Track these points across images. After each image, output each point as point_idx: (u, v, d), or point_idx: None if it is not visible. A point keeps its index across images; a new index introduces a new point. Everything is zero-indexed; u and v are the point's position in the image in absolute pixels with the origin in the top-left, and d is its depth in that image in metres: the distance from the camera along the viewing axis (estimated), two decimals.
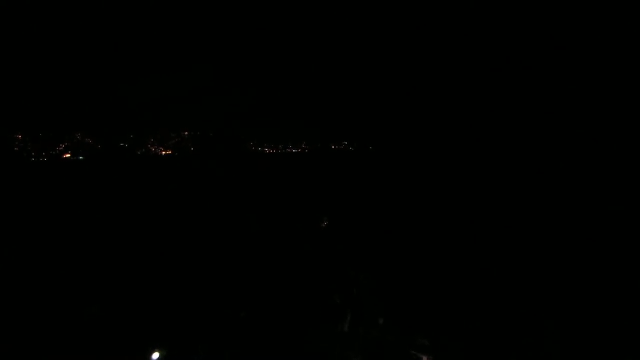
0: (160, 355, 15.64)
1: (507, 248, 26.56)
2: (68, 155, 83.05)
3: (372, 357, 18.91)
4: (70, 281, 18.64)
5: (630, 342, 14.72)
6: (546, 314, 18.74)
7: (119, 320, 16.23)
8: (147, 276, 19.45)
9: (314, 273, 26.00)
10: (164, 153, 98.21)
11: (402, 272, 27.39)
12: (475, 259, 26.88)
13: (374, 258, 29.05)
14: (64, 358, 11.83)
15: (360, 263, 28.83)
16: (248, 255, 26.53)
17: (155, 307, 17.59)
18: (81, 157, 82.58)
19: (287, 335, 18.81)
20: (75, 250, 21.65)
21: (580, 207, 24.40)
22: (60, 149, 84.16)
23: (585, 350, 15.69)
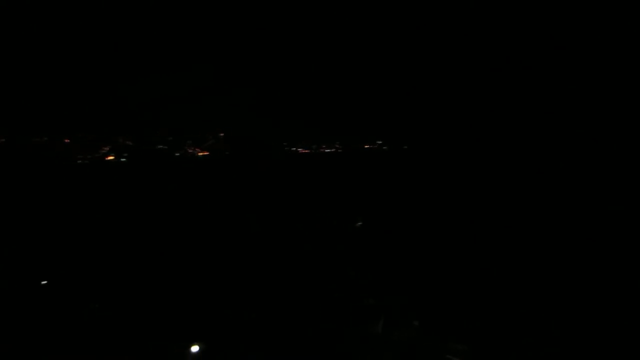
0: (199, 348, 16.10)
1: (532, 250, 25.85)
2: (111, 157, 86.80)
3: (407, 358, 18.77)
4: (100, 279, 19.41)
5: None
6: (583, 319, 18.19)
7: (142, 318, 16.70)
8: (179, 275, 19.97)
9: (349, 275, 25.98)
10: (200, 154, 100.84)
11: (437, 274, 27.02)
12: (506, 263, 26.36)
13: (411, 260, 28.68)
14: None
15: (396, 265, 28.54)
16: (283, 255, 26.81)
17: (184, 306, 18.07)
18: (123, 159, 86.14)
19: (320, 338, 18.89)
20: (113, 246, 22.51)
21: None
22: (104, 151, 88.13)
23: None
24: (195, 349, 15.86)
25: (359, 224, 34.76)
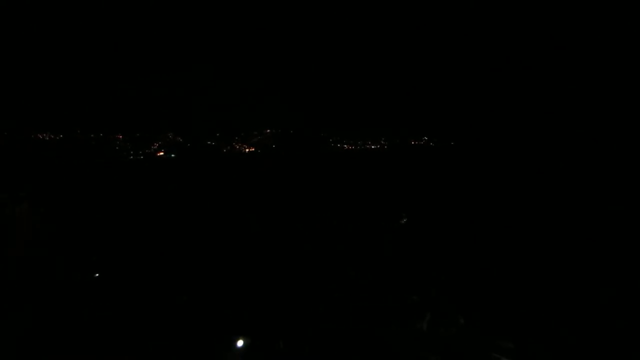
0: (243, 343, 15.19)
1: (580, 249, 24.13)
2: (161, 153, 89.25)
3: (451, 357, 17.37)
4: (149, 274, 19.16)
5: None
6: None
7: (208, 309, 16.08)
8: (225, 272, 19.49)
9: (393, 271, 24.85)
10: (247, 150, 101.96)
11: (482, 269, 25.42)
12: (556, 258, 24.37)
13: (454, 256, 27.35)
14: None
15: (441, 261, 27.29)
16: (330, 249, 25.96)
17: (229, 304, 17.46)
18: (172, 155, 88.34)
19: (365, 335, 17.88)
20: (164, 241, 22.41)
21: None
22: (154, 147, 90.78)
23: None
24: (239, 342, 15.28)
25: (404, 220, 33.69)
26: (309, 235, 30.80)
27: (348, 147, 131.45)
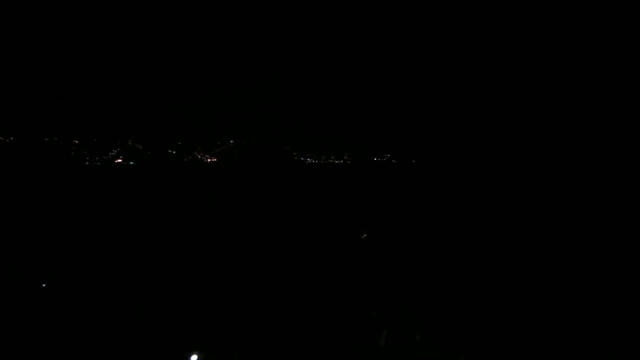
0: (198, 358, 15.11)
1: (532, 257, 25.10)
2: (119, 160, 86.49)
3: None
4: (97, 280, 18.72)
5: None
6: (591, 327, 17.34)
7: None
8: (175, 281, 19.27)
9: (351, 287, 25.28)
10: (209, 160, 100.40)
11: (439, 286, 26.17)
12: (511, 271, 25.36)
13: (414, 271, 28.04)
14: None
15: (399, 277, 27.96)
16: (284, 264, 25.98)
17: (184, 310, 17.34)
18: (131, 162, 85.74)
19: (323, 351, 18.13)
20: (117, 248, 21.84)
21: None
22: (113, 153, 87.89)
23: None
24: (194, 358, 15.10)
25: (364, 235, 34.22)
26: (268, 247, 30.67)
27: (312, 161, 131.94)
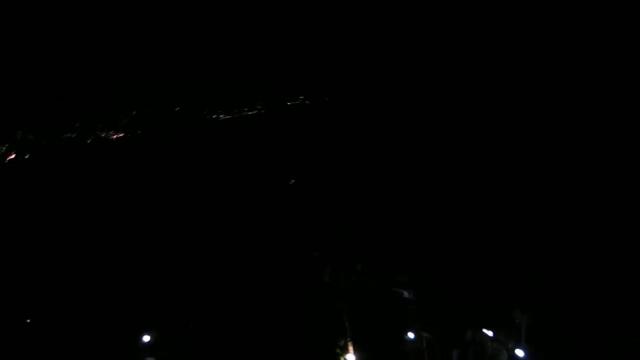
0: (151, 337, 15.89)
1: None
2: (13, 156, 78.46)
3: (356, 300, 20.08)
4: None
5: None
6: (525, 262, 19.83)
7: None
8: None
9: (290, 228, 26.77)
10: (115, 137, 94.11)
11: (377, 217, 28.36)
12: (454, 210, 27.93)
13: (348, 208, 29.95)
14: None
15: (336, 214, 29.79)
16: (219, 220, 26.88)
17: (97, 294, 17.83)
18: (27, 156, 78.26)
19: (270, 292, 19.62)
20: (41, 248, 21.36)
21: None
22: (2, 150, 79.30)
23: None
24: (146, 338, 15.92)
25: (293, 181, 35.89)
26: (195, 214, 31.10)
27: (224, 117, 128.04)
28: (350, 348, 20.98)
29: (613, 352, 18.14)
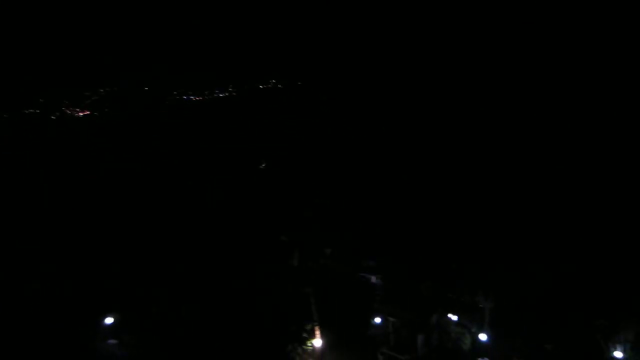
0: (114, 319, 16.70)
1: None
2: None
3: (323, 285, 20.85)
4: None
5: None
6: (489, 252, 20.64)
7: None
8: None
9: (258, 212, 27.17)
10: (81, 114, 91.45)
11: (347, 203, 28.95)
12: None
13: (318, 192, 30.35)
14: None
15: (306, 199, 30.07)
16: (183, 203, 26.96)
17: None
18: None
19: (238, 276, 20.19)
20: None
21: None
22: None
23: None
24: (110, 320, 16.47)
25: (263, 165, 35.67)
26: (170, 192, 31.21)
27: (195, 98, 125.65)
28: (317, 332, 18.80)
29: (572, 337, 16.88)
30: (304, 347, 17.49)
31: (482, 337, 18.58)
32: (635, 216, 22.50)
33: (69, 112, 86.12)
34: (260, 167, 35.72)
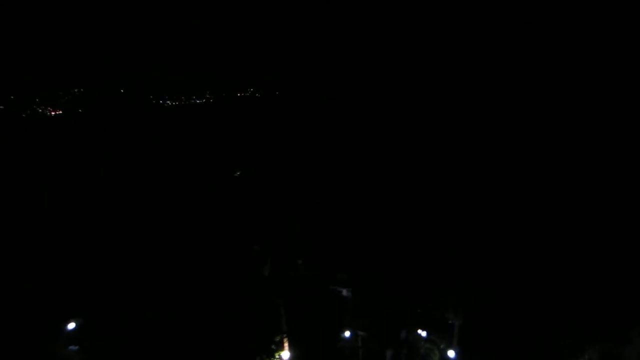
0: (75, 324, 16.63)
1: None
2: None
3: (294, 295, 20.93)
4: None
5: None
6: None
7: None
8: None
9: (231, 220, 27.29)
10: (53, 113, 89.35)
11: (320, 214, 29.17)
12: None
13: (293, 204, 30.45)
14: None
15: (280, 210, 30.20)
16: (166, 208, 26.84)
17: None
18: None
19: (207, 284, 20.11)
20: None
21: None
22: None
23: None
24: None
25: (237, 173, 35.58)
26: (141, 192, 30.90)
27: (171, 103, 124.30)
28: (286, 344, 18.38)
29: (538, 355, 16.89)
30: (272, 359, 17.41)
31: (451, 353, 18.83)
32: (601, 236, 22.99)
33: (41, 110, 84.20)
34: (235, 175, 35.61)
